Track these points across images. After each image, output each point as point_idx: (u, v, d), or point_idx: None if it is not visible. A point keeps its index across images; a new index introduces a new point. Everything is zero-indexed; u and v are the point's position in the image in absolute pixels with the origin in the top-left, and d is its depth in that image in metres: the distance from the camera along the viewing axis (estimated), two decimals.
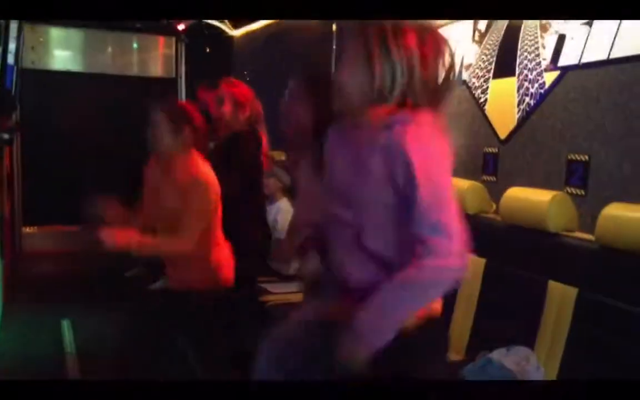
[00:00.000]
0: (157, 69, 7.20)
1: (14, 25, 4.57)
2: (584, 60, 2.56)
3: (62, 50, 6.79)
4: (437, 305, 1.65)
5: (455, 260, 1.42)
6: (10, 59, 4.99)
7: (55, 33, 6.63)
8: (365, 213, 1.55)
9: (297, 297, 2.75)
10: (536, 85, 2.80)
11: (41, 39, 6.37)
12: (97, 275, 5.73)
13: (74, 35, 6.73)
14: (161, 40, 7.06)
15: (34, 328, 4.22)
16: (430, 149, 1.46)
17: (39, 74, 6.30)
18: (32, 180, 6.31)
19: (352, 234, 1.57)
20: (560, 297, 2.31)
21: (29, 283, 5.44)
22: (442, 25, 3.45)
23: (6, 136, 5.04)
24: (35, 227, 6.54)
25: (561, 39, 2.68)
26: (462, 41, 3.31)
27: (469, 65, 3.25)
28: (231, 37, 6.82)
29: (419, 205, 1.42)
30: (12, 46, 5.04)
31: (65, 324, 4.20)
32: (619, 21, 2.39)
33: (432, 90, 1.48)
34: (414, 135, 1.45)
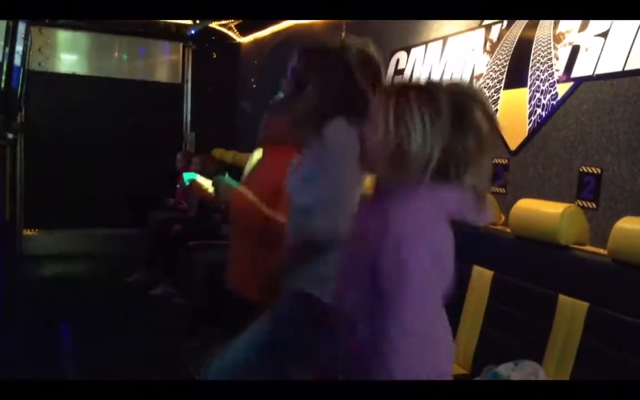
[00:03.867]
0: (163, 74, 7.20)
1: (21, 27, 4.56)
2: (599, 71, 2.53)
3: (69, 53, 6.79)
4: None
5: None
6: (17, 60, 4.97)
7: (63, 36, 6.64)
8: None
9: None
10: (548, 96, 2.77)
11: (48, 41, 6.37)
12: (97, 279, 5.72)
13: (81, 38, 6.74)
14: (168, 45, 7.07)
15: (33, 331, 4.17)
16: None
17: (45, 76, 6.30)
18: (35, 182, 6.29)
19: None
20: (571, 311, 2.26)
21: (30, 286, 5.41)
22: (453, 34, 3.44)
23: (10, 136, 5.03)
24: (37, 230, 6.50)
25: (575, 50, 2.64)
26: (474, 50, 3.28)
27: (480, 75, 3.21)
28: (238, 44, 6.81)
29: None
30: (19, 47, 5.03)
31: (64, 327, 4.16)
32: (635, 31, 2.36)
33: None
34: None
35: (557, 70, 2.74)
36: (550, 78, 2.77)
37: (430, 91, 1.35)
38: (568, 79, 2.68)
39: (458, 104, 1.32)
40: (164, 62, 7.19)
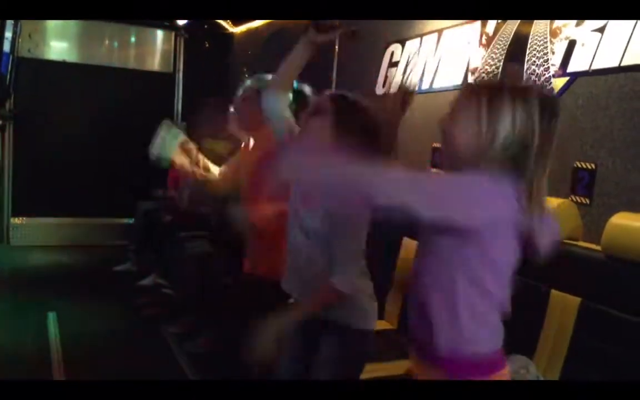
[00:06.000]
0: (154, 63, 7.12)
1: None
2: (595, 66, 2.52)
3: (59, 40, 6.69)
4: None
5: None
6: (7, 46, 4.91)
7: (53, 22, 6.53)
8: None
9: None
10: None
11: (38, 27, 6.28)
12: (86, 268, 5.68)
13: (72, 25, 6.63)
14: (160, 34, 6.99)
15: (20, 320, 4.13)
16: None
17: (35, 63, 6.21)
18: (23, 170, 6.22)
19: None
20: (563, 306, 2.27)
21: (17, 275, 5.36)
22: (449, 27, 3.42)
23: None
24: (24, 218, 6.42)
25: (571, 44, 2.64)
26: (469, 44, 3.26)
27: (475, 69, 3.20)
28: (231, 34, 6.76)
29: None
30: (8, 33, 4.97)
31: (51, 317, 4.12)
32: (632, 27, 2.35)
33: None
34: None
35: (552, 65, 2.73)
36: (546, 73, 2.76)
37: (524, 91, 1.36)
38: (564, 74, 2.67)
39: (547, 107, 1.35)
40: (156, 51, 7.11)
